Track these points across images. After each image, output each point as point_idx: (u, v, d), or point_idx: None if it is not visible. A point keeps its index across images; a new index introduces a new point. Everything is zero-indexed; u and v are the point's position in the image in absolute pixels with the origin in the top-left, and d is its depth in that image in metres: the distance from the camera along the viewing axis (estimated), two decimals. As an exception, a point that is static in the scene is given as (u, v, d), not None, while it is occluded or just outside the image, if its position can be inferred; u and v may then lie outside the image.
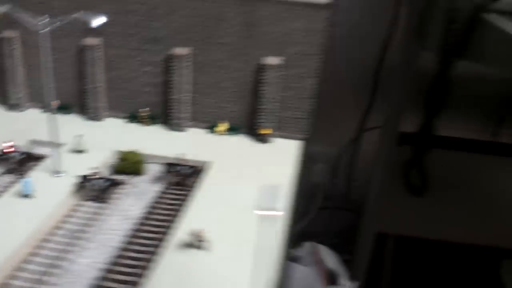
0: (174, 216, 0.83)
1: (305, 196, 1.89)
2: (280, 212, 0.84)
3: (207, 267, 0.72)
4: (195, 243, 0.75)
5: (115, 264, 0.76)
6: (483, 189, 1.70)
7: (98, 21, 0.87)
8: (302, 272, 1.42)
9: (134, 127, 1.11)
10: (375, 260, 1.68)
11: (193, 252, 0.73)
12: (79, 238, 0.79)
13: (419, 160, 1.46)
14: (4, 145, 0.98)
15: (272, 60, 0.96)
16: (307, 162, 1.69)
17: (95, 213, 0.86)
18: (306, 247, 1.47)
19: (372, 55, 1.57)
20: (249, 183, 0.90)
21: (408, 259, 1.70)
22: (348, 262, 1.68)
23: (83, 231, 0.80)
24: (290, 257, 1.48)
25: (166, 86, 1.03)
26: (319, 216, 1.85)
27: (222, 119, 1.06)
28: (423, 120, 1.38)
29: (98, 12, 0.86)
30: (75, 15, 0.84)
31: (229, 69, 1.01)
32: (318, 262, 1.45)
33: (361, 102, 1.68)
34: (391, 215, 1.57)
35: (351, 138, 1.72)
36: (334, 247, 1.75)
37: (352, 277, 1.55)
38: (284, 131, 1.03)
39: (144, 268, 0.74)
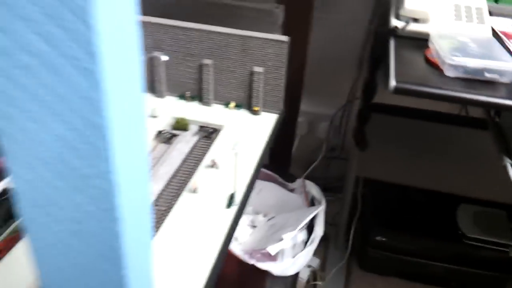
0: (202, 155, 1.57)
1: (311, 148, 2.57)
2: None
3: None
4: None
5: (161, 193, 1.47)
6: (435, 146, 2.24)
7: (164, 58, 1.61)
8: (294, 198, 2.12)
9: (183, 103, 1.84)
10: (354, 198, 2.32)
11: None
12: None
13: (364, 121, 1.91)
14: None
15: (259, 69, 1.64)
16: (314, 121, 2.32)
17: (164, 152, 1.61)
18: (298, 182, 2.17)
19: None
20: (246, 137, 1.61)
21: (378, 200, 2.25)
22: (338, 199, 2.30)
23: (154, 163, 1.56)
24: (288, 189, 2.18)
25: (200, 80, 1.74)
26: (321, 163, 2.53)
27: (232, 100, 1.76)
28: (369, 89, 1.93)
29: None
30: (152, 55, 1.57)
31: (235, 73, 1.70)
32: (305, 192, 2.15)
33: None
34: (366, 162, 2.18)
35: (346, 102, 2.35)
36: (332, 189, 2.39)
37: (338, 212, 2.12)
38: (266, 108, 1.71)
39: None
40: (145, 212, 0.51)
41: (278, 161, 1.97)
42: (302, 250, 1.64)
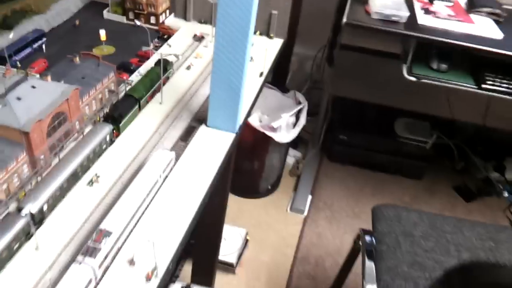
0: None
1: (300, 81, 3.51)
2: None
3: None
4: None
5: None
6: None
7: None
8: (287, 101, 3.05)
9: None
10: (326, 111, 3.30)
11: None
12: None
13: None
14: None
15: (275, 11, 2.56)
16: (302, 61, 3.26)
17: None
18: (291, 92, 3.10)
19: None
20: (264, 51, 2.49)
21: (342, 111, 3.26)
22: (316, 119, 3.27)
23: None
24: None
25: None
26: (306, 93, 3.45)
27: (258, 30, 2.65)
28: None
29: None
30: None
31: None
32: (295, 97, 3.08)
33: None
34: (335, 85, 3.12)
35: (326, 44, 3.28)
36: (313, 112, 3.34)
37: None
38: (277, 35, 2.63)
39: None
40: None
41: (278, 79, 2.96)
42: (292, 128, 2.65)
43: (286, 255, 2.60)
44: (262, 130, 2.53)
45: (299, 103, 2.81)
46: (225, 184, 1.82)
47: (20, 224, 1.04)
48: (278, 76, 2.96)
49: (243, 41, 1.32)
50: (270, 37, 2.33)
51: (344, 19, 2.18)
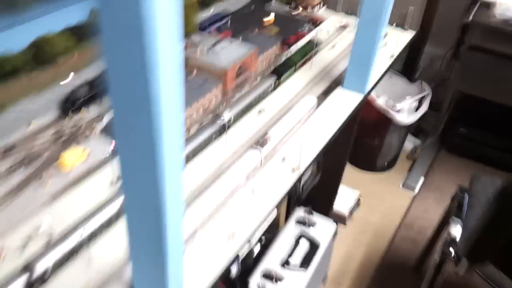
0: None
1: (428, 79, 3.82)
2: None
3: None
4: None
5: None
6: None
7: None
8: (412, 88, 3.44)
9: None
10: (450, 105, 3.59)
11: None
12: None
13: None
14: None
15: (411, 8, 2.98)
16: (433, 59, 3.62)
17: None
18: (417, 82, 3.51)
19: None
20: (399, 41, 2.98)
21: (466, 105, 3.59)
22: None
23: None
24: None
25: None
26: (434, 90, 3.73)
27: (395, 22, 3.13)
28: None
29: None
30: None
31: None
32: (421, 86, 3.46)
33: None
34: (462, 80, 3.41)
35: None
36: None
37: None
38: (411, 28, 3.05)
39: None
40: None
41: (407, 70, 3.34)
42: (413, 113, 3.03)
43: (392, 221, 3.00)
44: (386, 109, 2.96)
45: (424, 91, 3.17)
46: (349, 136, 2.31)
47: (215, 127, 1.67)
48: (408, 67, 3.35)
49: (379, 26, 1.81)
50: (405, 29, 2.75)
51: (469, 19, 2.52)
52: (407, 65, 3.30)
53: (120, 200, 1.36)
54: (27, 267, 1.20)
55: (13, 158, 1.59)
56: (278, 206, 2.11)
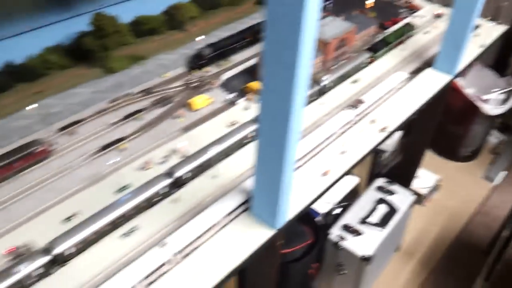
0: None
1: None
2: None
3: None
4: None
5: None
6: None
7: None
8: (500, 82, 3.51)
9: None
10: None
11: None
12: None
13: None
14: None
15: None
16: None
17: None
18: (508, 78, 3.56)
19: None
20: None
21: None
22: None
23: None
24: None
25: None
26: None
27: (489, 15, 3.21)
28: None
29: None
30: None
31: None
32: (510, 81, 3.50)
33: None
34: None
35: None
36: None
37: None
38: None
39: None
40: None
41: (499, 66, 3.41)
42: (501, 105, 3.11)
43: (468, 207, 3.11)
44: (473, 99, 3.07)
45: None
46: (433, 119, 2.49)
47: (315, 89, 1.96)
48: (499, 63, 3.41)
49: (471, 15, 2.00)
50: (498, 23, 2.86)
51: None
52: (498, 61, 3.37)
53: (233, 135, 1.71)
54: (169, 174, 1.57)
55: (151, 99, 1.99)
56: (360, 174, 2.40)
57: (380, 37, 2.41)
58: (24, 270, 1.30)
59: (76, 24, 2.15)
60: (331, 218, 2.46)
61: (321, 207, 2.52)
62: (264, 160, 1.37)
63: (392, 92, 2.05)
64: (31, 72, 2.01)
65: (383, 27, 2.58)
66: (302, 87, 1.14)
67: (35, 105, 1.88)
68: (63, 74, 2.04)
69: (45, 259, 1.34)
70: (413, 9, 2.83)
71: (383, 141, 1.83)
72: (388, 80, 2.07)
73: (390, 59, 2.31)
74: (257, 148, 1.35)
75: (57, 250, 1.36)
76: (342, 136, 1.80)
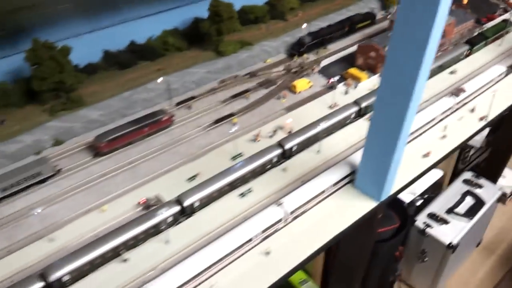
0: None
1: None
2: None
3: None
4: None
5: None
6: None
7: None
8: None
9: None
10: None
11: None
12: None
13: None
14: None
15: None
16: None
17: None
18: None
19: None
20: None
21: None
22: None
23: None
24: None
25: None
26: None
27: None
28: None
29: None
30: None
31: None
32: None
33: None
34: None
35: None
36: None
37: None
38: None
39: None
40: None
41: None
42: None
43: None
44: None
45: None
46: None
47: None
48: None
49: None
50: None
51: None
52: None
53: (336, 115, 1.87)
54: (280, 145, 1.76)
55: (256, 81, 2.20)
56: (445, 168, 2.48)
57: (478, 31, 2.46)
58: (162, 215, 1.51)
59: (190, 11, 2.40)
60: (413, 209, 2.53)
61: (405, 196, 2.60)
62: (377, 134, 1.52)
63: (490, 84, 2.10)
64: (151, 51, 2.31)
65: (479, 22, 2.62)
66: (428, 63, 1.25)
67: (158, 80, 2.11)
68: (179, 55, 2.32)
69: (177, 208, 1.54)
70: (510, 6, 2.84)
71: (482, 129, 1.88)
72: (487, 72, 2.18)
73: (487, 53, 2.45)
74: (372, 122, 1.50)
75: (187, 202, 1.57)
76: (442, 121, 1.88)
